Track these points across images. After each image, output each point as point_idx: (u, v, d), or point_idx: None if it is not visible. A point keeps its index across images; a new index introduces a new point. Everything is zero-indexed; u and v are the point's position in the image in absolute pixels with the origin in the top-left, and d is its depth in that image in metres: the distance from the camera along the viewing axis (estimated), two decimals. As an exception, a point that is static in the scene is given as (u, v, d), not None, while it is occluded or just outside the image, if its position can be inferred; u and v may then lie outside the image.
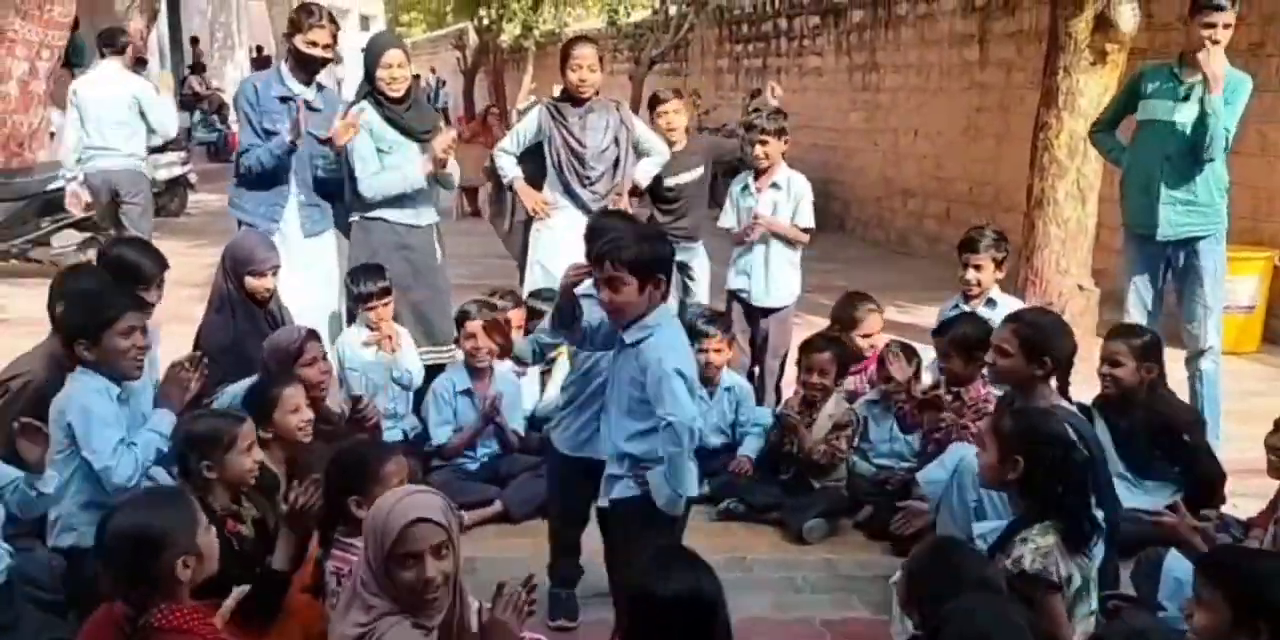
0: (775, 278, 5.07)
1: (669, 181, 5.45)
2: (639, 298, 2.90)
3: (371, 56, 4.70)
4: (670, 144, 5.43)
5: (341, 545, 2.84)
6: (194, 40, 20.43)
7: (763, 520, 4.22)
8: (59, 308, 3.34)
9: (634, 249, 2.89)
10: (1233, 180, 4.71)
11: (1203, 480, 3.86)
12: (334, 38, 4.82)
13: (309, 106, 4.75)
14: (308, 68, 4.81)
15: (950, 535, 3.18)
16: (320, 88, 4.99)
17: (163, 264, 3.95)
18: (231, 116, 11.14)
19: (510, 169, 5.17)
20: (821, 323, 5.46)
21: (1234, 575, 2.30)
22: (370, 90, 4.71)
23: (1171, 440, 3.85)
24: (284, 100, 4.72)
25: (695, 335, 4.51)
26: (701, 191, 5.61)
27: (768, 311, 5.13)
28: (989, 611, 2.19)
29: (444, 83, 26.70)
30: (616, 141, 5.05)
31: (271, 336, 3.95)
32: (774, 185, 5.08)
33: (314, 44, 4.73)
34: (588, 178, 5.02)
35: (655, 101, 5.61)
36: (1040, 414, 3.08)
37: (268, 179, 4.71)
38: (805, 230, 5.08)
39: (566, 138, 4.99)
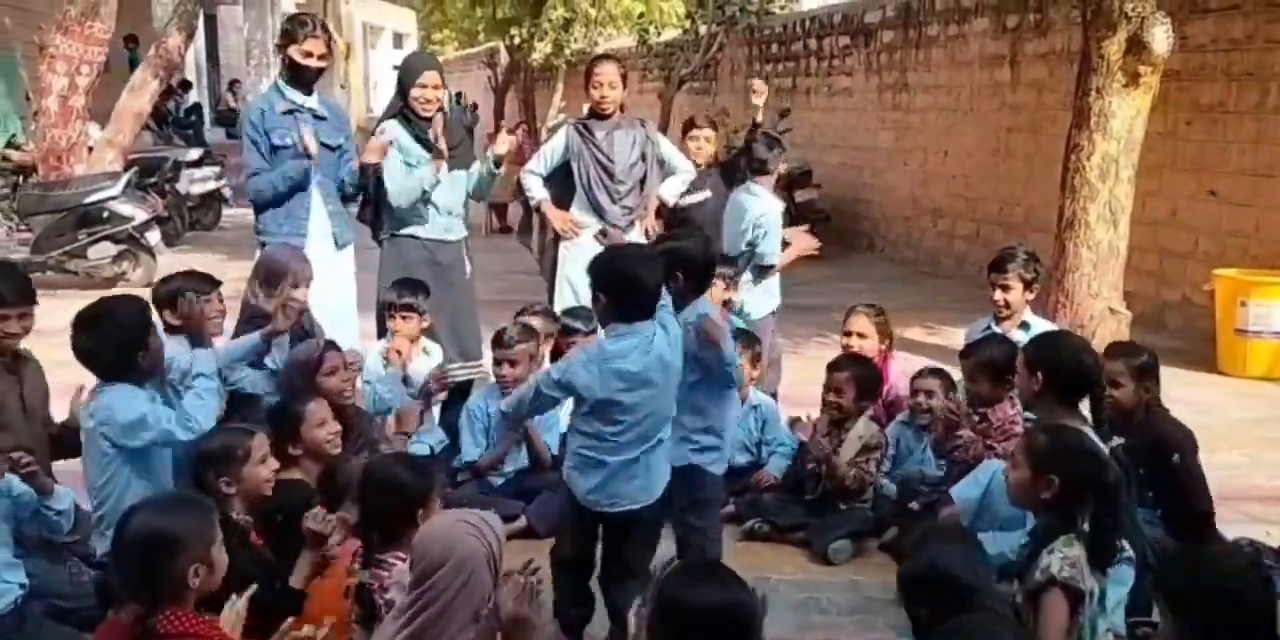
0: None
1: (679, 201, 5.57)
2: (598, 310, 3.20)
3: (409, 75, 4.72)
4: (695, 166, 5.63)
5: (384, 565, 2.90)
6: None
7: (787, 541, 4.19)
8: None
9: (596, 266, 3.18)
10: (1264, 204, 4.65)
11: (1188, 506, 3.69)
12: (328, 47, 4.76)
13: (315, 115, 4.75)
14: (303, 78, 4.74)
15: (945, 528, 3.18)
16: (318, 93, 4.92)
17: (214, 282, 4.08)
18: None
19: (537, 190, 5.21)
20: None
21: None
22: (402, 107, 4.74)
23: (1162, 461, 3.71)
24: (288, 113, 4.70)
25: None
26: (713, 218, 5.54)
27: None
28: (983, 631, 2.18)
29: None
30: (644, 157, 5.12)
31: (290, 352, 3.97)
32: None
33: (309, 54, 4.67)
34: (617, 192, 5.07)
35: (690, 125, 5.84)
36: (1073, 432, 3.05)
37: (284, 195, 4.70)
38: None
39: (596, 154, 5.05)
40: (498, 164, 4.80)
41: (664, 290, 3.14)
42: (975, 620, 2.24)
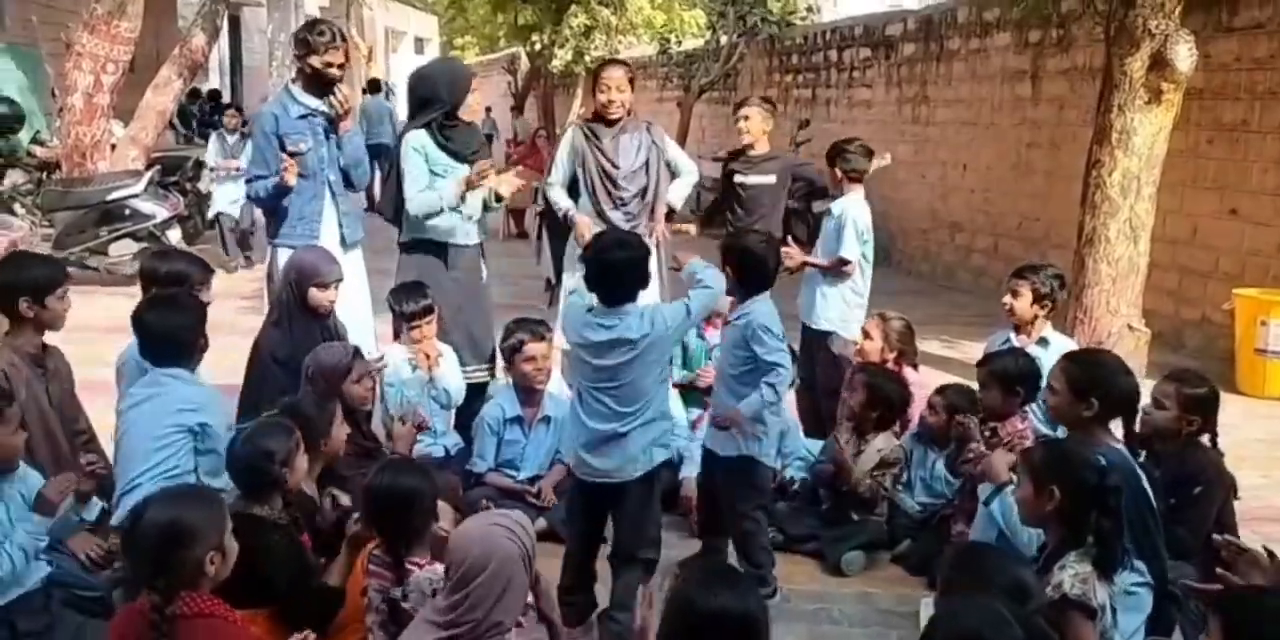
0: (817, 300, 5.09)
1: (739, 179, 5.79)
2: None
3: (461, 86, 4.76)
4: (749, 146, 5.78)
5: (382, 562, 2.91)
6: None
7: (800, 551, 4.19)
8: None
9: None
10: (1266, 221, 4.57)
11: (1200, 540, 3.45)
12: (346, 55, 4.76)
13: (328, 117, 4.74)
14: (322, 87, 4.74)
15: (979, 541, 3.18)
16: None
17: (207, 268, 4.22)
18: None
19: (563, 200, 5.12)
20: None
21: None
22: (434, 118, 4.71)
23: (1186, 494, 3.52)
24: (303, 118, 4.71)
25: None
26: (775, 201, 5.81)
27: (817, 334, 5.12)
28: (978, 611, 2.17)
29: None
30: (648, 162, 5.08)
31: (316, 353, 3.95)
32: (827, 212, 5.15)
33: (330, 65, 4.68)
34: (620, 199, 5.03)
35: (739, 106, 5.97)
36: (1071, 443, 3.05)
37: (286, 195, 4.69)
38: (841, 261, 5.04)
39: (599, 158, 5.02)
40: (498, 200, 4.86)
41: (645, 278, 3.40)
42: (974, 606, 2.22)
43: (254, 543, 2.63)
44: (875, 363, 4.59)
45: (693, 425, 4.68)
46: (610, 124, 5.05)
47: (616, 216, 5.03)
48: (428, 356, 4.59)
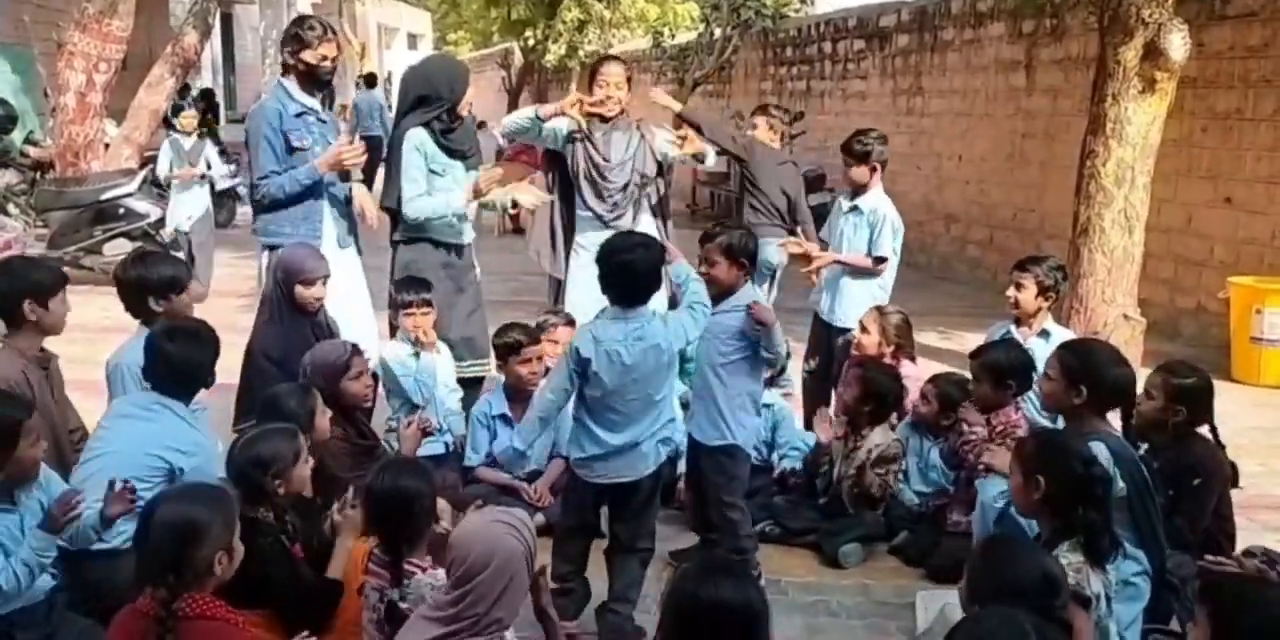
0: (843, 297, 5.07)
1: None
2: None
3: (461, 83, 4.75)
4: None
5: (382, 562, 2.90)
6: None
7: (798, 543, 4.19)
8: None
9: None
10: (1261, 209, 4.58)
11: (1208, 533, 3.52)
12: (338, 47, 4.75)
13: (318, 118, 4.74)
14: (318, 82, 4.73)
15: (1005, 533, 3.19)
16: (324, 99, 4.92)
17: (187, 271, 4.10)
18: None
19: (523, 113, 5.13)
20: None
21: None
22: (435, 116, 4.69)
23: (1185, 485, 3.53)
24: (299, 115, 4.68)
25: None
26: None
27: (838, 330, 5.11)
28: (999, 621, 2.17)
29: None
30: (634, 159, 5.09)
31: (314, 350, 3.95)
32: (855, 208, 5.15)
33: (325, 58, 4.66)
34: (606, 190, 5.05)
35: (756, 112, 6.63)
36: (1059, 433, 3.06)
37: (296, 197, 4.64)
38: (879, 260, 5.03)
39: (590, 151, 5.04)
40: (514, 205, 5.00)
41: (661, 281, 3.37)
42: (996, 616, 2.23)
43: (249, 544, 2.62)
44: (872, 356, 4.59)
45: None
46: (605, 120, 5.07)
47: (602, 208, 5.05)
48: (430, 344, 4.61)
